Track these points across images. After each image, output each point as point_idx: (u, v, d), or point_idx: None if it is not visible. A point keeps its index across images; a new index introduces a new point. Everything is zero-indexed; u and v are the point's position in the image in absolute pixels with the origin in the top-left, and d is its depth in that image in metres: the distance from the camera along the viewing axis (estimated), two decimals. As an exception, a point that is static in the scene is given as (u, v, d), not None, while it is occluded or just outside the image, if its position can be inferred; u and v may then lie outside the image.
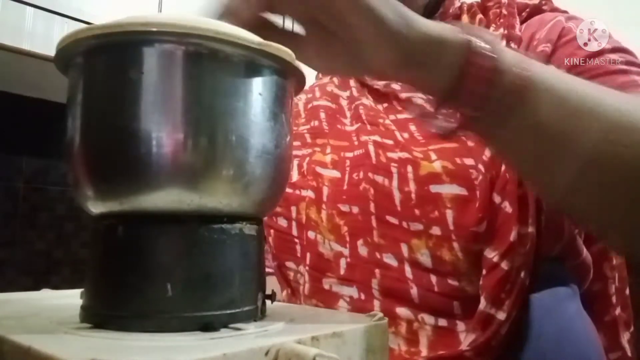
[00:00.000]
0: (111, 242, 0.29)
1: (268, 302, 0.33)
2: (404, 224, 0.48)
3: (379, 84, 0.58)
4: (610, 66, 0.46)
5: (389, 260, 0.48)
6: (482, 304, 0.44)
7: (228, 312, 0.29)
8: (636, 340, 0.55)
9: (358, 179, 0.52)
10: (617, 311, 0.53)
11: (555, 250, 0.50)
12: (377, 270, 0.49)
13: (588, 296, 0.54)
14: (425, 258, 0.47)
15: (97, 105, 0.29)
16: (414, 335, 0.46)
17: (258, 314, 0.31)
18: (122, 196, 0.28)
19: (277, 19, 0.36)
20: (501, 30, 0.53)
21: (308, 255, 0.54)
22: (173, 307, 0.27)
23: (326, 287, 0.52)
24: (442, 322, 0.46)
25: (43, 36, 1.07)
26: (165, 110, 0.27)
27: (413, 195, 0.48)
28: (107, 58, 0.28)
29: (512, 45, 0.52)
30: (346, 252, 0.51)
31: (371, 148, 0.52)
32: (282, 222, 0.57)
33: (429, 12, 0.58)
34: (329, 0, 0.32)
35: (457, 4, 0.60)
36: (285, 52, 0.30)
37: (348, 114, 0.60)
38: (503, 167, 0.45)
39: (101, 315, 0.28)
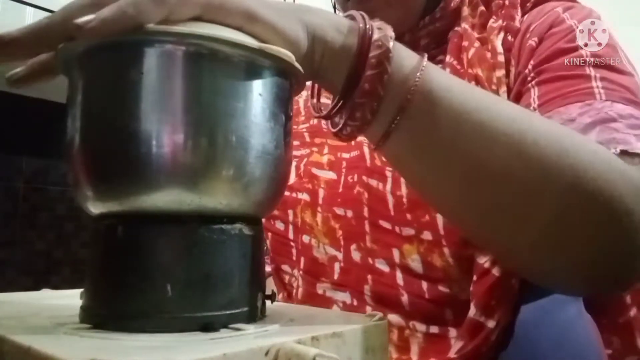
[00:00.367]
0: (111, 242, 0.29)
1: (268, 302, 0.33)
2: (397, 228, 0.48)
3: None
4: (571, 67, 0.45)
5: (381, 265, 0.48)
6: (472, 311, 0.43)
7: (228, 312, 0.29)
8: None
9: (353, 181, 0.52)
10: (633, 312, 0.51)
11: None
12: (369, 276, 0.48)
13: (600, 297, 0.53)
14: (416, 264, 0.47)
15: (97, 105, 0.29)
16: (405, 342, 0.46)
17: (258, 314, 0.31)
18: (122, 196, 0.28)
19: None
20: (500, 22, 0.53)
21: (302, 259, 0.54)
22: (173, 307, 0.27)
23: (320, 292, 0.52)
24: (434, 329, 0.46)
25: (43, 36, 1.07)
26: (165, 111, 0.27)
27: (405, 199, 0.48)
28: (107, 58, 0.28)
29: (510, 37, 0.51)
30: (340, 256, 0.51)
31: (366, 150, 0.52)
32: (280, 226, 0.57)
33: (431, 4, 0.57)
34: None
35: None
36: (284, 53, 0.30)
37: None
38: None
39: (101, 315, 0.28)
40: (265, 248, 0.57)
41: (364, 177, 0.50)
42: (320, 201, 0.53)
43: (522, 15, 0.54)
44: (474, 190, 0.36)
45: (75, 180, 0.30)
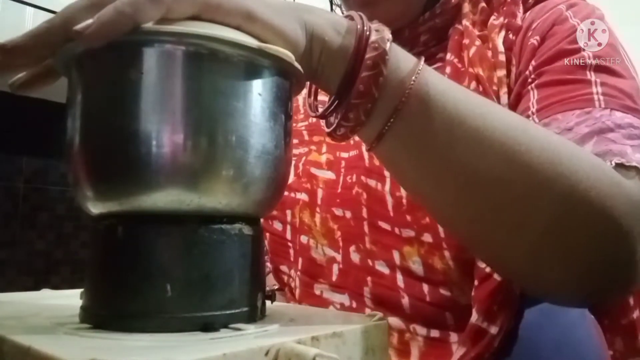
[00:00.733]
0: (111, 242, 0.29)
1: (268, 302, 0.33)
2: (396, 230, 0.47)
3: None
4: (572, 71, 0.44)
5: (381, 267, 0.48)
6: (474, 316, 0.43)
7: (228, 312, 0.29)
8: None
9: (351, 182, 0.51)
10: (636, 314, 0.51)
11: None
12: (369, 278, 0.48)
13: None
14: (417, 266, 0.46)
15: (97, 105, 0.29)
16: (405, 346, 0.46)
17: (258, 314, 0.31)
18: (122, 196, 0.28)
19: None
20: (501, 19, 0.52)
21: (300, 259, 0.54)
22: (173, 307, 0.27)
23: (317, 292, 0.51)
24: (435, 333, 0.45)
25: (43, 36, 1.07)
26: (165, 111, 0.27)
27: (404, 200, 0.47)
28: (107, 58, 0.28)
29: (511, 36, 0.50)
30: (339, 257, 0.50)
31: (364, 149, 0.52)
32: (277, 226, 0.57)
33: (431, 1, 0.57)
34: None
35: None
36: (284, 52, 0.30)
37: None
38: None
39: (101, 315, 0.28)
40: (264, 248, 0.57)
41: (363, 177, 0.50)
42: (319, 201, 0.53)
43: (524, 12, 0.53)
44: (467, 196, 0.36)
45: (75, 180, 0.30)
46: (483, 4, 0.55)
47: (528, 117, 0.44)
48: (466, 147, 0.34)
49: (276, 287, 0.59)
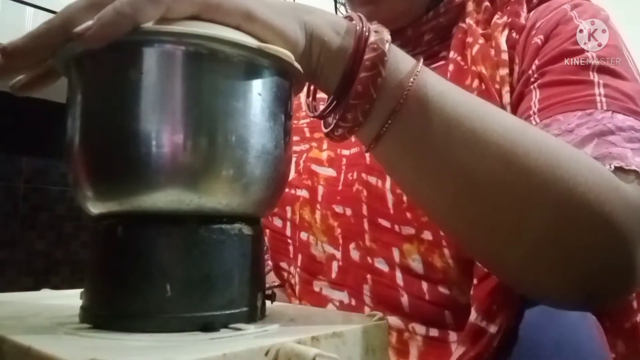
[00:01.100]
0: (111, 242, 0.29)
1: (268, 302, 0.33)
2: (396, 227, 0.47)
3: None
4: (575, 71, 0.44)
5: (380, 265, 0.48)
6: (473, 315, 0.42)
7: (228, 312, 0.29)
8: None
9: (352, 179, 0.51)
10: (639, 317, 0.50)
11: None
12: (368, 276, 0.48)
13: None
14: (416, 264, 0.46)
15: (97, 105, 0.29)
16: (404, 345, 0.46)
17: (258, 314, 0.31)
18: (122, 196, 0.28)
19: None
20: (505, 18, 0.52)
21: (299, 256, 0.54)
22: (173, 307, 0.27)
23: (316, 289, 0.51)
24: (434, 332, 0.45)
25: (43, 36, 1.07)
26: (165, 111, 0.27)
27: (404, 198, 0.47)
28: (107, 58, 0.28)
29: (514, 35, 0.50)
30: (338, 255, 0.50)
31: None
32: (278, 222, 0.57)
33: (435, 1, 0.57)
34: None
35: None
36: (284, 52, 0.30)
37: None
38: None
39: (101, 315, 0.28)
40: (264, 247, 0.57)
41: (364, 175, 0.50)
42: (319, 198, 0.53)
43: (528, 12, 0.53)
44: (464, 198, 0.36)
45: (75, 180, 0.30)
46: (487, 3, 0.55)
47: (529, 116, 0.44)
48: (464, 149, 0.34)
49: (276, 283, 0.59)
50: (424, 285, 0.46)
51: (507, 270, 0.39)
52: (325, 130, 0.36)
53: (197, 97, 0.28)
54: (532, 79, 0.47)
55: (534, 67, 0.47)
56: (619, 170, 0.37)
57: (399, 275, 0.47)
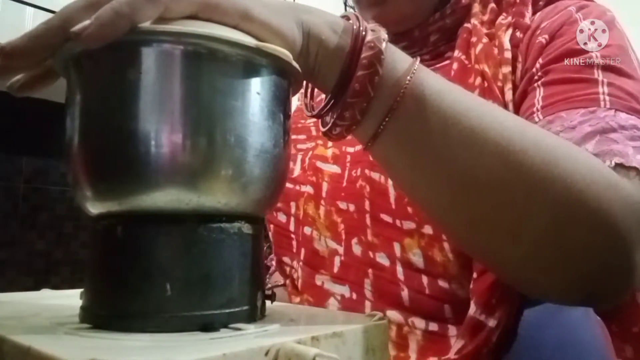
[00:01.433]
0: (110, 242, 0.29)
1: (268, 302, 0.33)
2: (397, 222, 0.48)
3: None
4: (580, 70, 0.44)
5: (382, 260, 0.48)
6: (472, 309, 0.43)
7: (227, 311, 0.29)
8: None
9: (356, 176, 0.52)
10: None
11: None
12: (370, 271, 0.48)
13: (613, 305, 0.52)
14: (417, 258, 0.46)
15: (96, 105, 0.29)
16: (403, 339, 0.46)
17: (258, 314, 0.31)
18: (121, 196, 0.28)
19: None
20: (509, 18, 0.52)
21: (303, 250, 0.54)
22: (172, 307, 0.27)
23: (318, 283, 0.52)
24: (433, 327, 0.45)
25: (42, 36, 1.07)
26: (164, 110, 0.27)
27: None
28: (105, 58, 0.28)
29: (518, 34, 0.51)
30: (341, 250, 0.51)
31: None
32: (282, 218, 0.58)
33: (442, 2, 0.57)
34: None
35: None
36: (282, 52, 0.30)
37: None
38: None
39: (101, 315, 0.28)
40: (265, 248, 0.57)
41: (367, 171, 0.50)
42: (323, 194, 0.53)
43: (533, 14, 0.53)
44: (462, 197, 0.36)
45: (75, 180, 0.30)
46: (493, 5, 0.56)
47: (532, 113, 0.44)
48: (461, 147, 0.34)
49: (280, 282, 0.59)
50: (424, 280, 0.46)
51: (507, 269, 0.39)
52: (323, 130, 0.36)
53: (195, 97, 0.28)
54: (536, 77, 0.47)
55: (537, 65, 0.47)
56: (619, 166, 0.37)
57: (399, 269, 0.47)
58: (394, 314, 0.47)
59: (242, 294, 0.30)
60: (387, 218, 0.48)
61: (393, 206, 0.48)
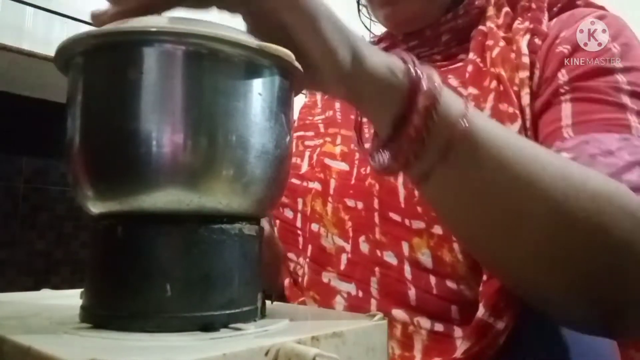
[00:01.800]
0: (111, 242, 0.29)
1: (268, 302, 0.33)
2: (406, 221, 0.48)
3: None
4: (609, 92, 0.45)
5: (389, 258, 0.48)
6: (481, 311, 0.43)
7: (228, 312, 0.29)
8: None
9: (365, 173, 0.52)
10: None
11: None
12: (377, 269, 0.49)
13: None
14: (425, 258, 0.46)
15: (97, 105, 0.29)
16: (408, 339, 0.46)
17: (258, 314, 0.31)
18: (122, 196, 0.28)
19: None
20: (526, 23, 0.53)
21: (309, 247, 0.54)
22: (173, 307, 0.27)
23: (325, 280, 0.52)
24: (439, 327, 0.45)
25: (43, 36, 1.07)
26: (165, 111, 0.27)
27: (416, 192, 0.48)
28: (107, 58, 0.28)
29: (537, 40, 0.51)
30: (348, 247, 0.51)
31: None
32: (288, 214, 0.58)
33: (455, 2, 0.58)
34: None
35: None
36: (284, 52, 0.30)
37: None
38: None
39: (101, 315, 0.28)
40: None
41: None
42: (331, 191, 0.54)
43: (549, 20, 0.54)
44: (505, 240, 0.37)
45: (75, 180, 0.30)
46: (507, 9, 0.56)
47: (560, 128, 0.45)
48: (508, 193, 0.36)
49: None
50: (432, 280, 0.46)
51: (539, 297, 0.41)
52: (373, 164, 0.37)
53: (197, 97, 0.28)
54: (562, 90, 0.47)
55: (563, 78, 0.48)
56: None
57: (407, 268, 0.47)
58: (399, 313, 0.47)
59: (242, 294, 0.30)
60: (396, 217, 0.48)
61: (402, 205, 0.48)
